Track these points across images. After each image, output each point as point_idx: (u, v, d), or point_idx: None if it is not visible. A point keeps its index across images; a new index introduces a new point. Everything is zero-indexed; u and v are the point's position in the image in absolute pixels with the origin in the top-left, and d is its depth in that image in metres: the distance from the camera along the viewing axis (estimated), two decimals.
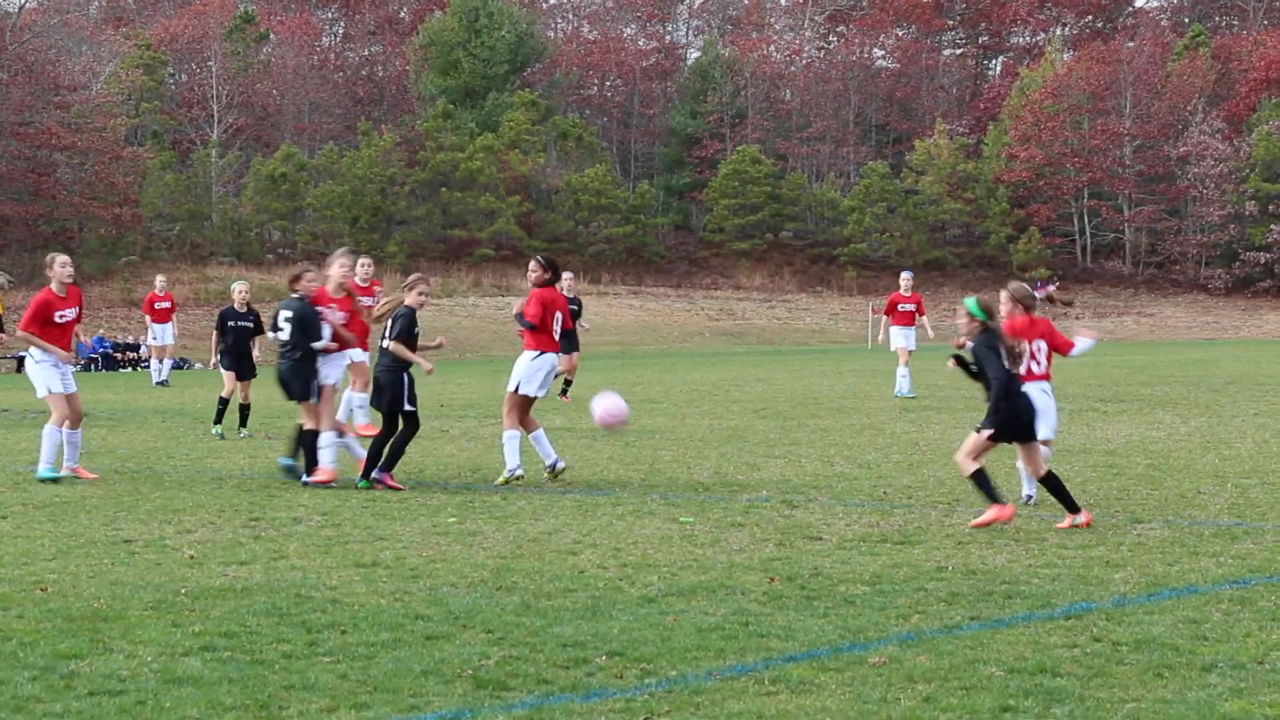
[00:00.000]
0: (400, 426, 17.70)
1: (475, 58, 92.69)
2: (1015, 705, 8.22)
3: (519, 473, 18.03)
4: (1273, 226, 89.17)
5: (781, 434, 24.57)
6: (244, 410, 25.35)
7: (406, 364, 17.57)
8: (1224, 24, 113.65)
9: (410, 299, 17.81)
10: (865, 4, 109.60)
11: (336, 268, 19.13)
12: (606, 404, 17.54)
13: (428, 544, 13.66)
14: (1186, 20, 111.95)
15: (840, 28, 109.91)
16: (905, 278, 34.06)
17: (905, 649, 9.49)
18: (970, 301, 14.54)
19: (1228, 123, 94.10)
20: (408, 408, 17.58)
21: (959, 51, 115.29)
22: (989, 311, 14.44)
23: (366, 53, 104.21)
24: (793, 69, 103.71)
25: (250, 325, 25.66)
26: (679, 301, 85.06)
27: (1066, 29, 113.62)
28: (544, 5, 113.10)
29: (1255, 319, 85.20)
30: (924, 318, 33.37)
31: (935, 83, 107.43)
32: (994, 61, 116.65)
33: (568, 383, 32.18)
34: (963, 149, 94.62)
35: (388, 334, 17.59)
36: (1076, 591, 11.27)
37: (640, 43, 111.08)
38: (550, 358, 18.21)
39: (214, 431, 24.90)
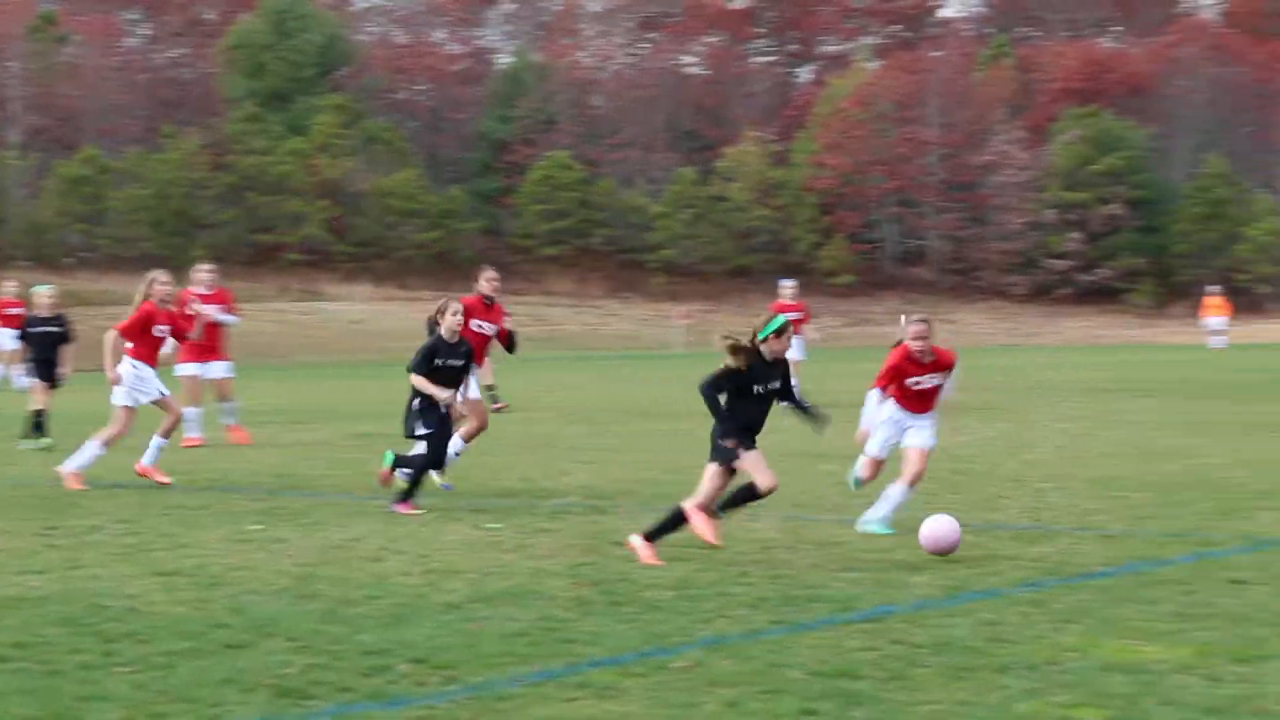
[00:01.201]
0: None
1: (283, 60, 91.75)
2: (816, 708, 8.29)
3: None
4: (1071, 235, 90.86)
5: (590, 440, 24.61)
6: (40, 415, 24.10)
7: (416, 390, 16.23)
8: (1026, 35, 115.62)
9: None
10: (676, 11, 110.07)
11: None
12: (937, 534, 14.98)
13: (230, 551, 13.49)
14: (990, 31, 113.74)
15: (651, 34, 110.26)
16: (787, 286, 33.08)
17: (709, 653, 9.54)
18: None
19: (1029, 132, 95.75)
20: (420, 433, 16.24)
21: (768, 59, 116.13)
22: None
23: (172, 55, 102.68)
24: (603, 75, 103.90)
25: (59, 331, 24.33)
26: None
27: (874, 38, 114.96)
28: (353, 8, 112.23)
29: (1054, 325, 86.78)
30: (807, 326, 32.50)
31: (745, 90, 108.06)
32: (803, 70, 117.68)
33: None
34: (771, 156, 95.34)
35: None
36: (877, 595, 11.40)
37: (451, 47, 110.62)
38: None
39: (32, 445, 23.39)
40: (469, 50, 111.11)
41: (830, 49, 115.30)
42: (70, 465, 18.44)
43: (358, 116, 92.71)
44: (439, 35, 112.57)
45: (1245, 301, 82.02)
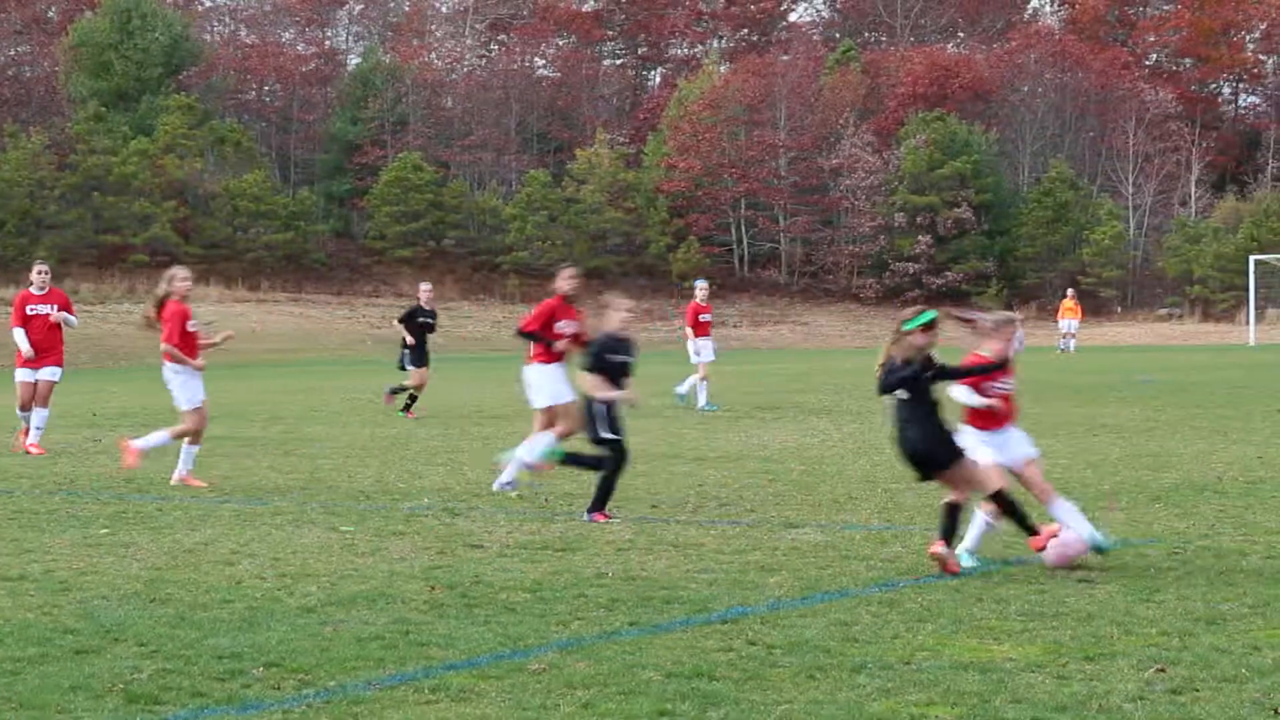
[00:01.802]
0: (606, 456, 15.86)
1: (128, 60, 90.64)
2: (672, 709, 8.31)
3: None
4: (920, 238, 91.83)
5: (443, 442, 24.52)
6: None
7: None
8: (873, 40, 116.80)
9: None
10: (526, 13, 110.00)
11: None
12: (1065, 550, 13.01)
13: (78, 556, 13.30)
14: (838, 35, 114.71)
15: (501, 36, 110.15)
16: (701, 287, 32.83)
17: (565, 655, 9.53)
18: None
19: (877, 136, 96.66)
20: (605, 435, 15.71)
21: (619, 62, 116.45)
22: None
23: (13, 52, 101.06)
24: (454, 77, 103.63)
25: None
26: (340, 309, 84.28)
27: (723, 41, 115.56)
28: (199, 8, 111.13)
29: None
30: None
31: (596, 92, 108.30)
32: (653, 72, 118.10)
33: (413, 397, 30.46)
34: (623, 158, 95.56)
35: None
36: (733, 596, 11.44)
37: (299, 48, 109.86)
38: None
39: None
40: (318, 51, 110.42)
41: (680, 52, 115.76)
42: (140, 442, 18.87)
43: (205, 117, 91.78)
44: (287, 36, 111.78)
45: (1090, 304, 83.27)
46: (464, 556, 13.24)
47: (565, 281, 18.37)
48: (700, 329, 31.84)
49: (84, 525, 15.20)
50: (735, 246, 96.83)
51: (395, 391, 30.92)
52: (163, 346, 18.82)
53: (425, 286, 31.81)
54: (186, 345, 18.84)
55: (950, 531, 12.29)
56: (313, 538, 14.37)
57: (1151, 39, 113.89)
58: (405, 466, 20.72)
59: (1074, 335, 66.29)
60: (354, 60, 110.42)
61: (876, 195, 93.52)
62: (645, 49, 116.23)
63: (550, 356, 17.98)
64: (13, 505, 16.82)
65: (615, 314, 16.11)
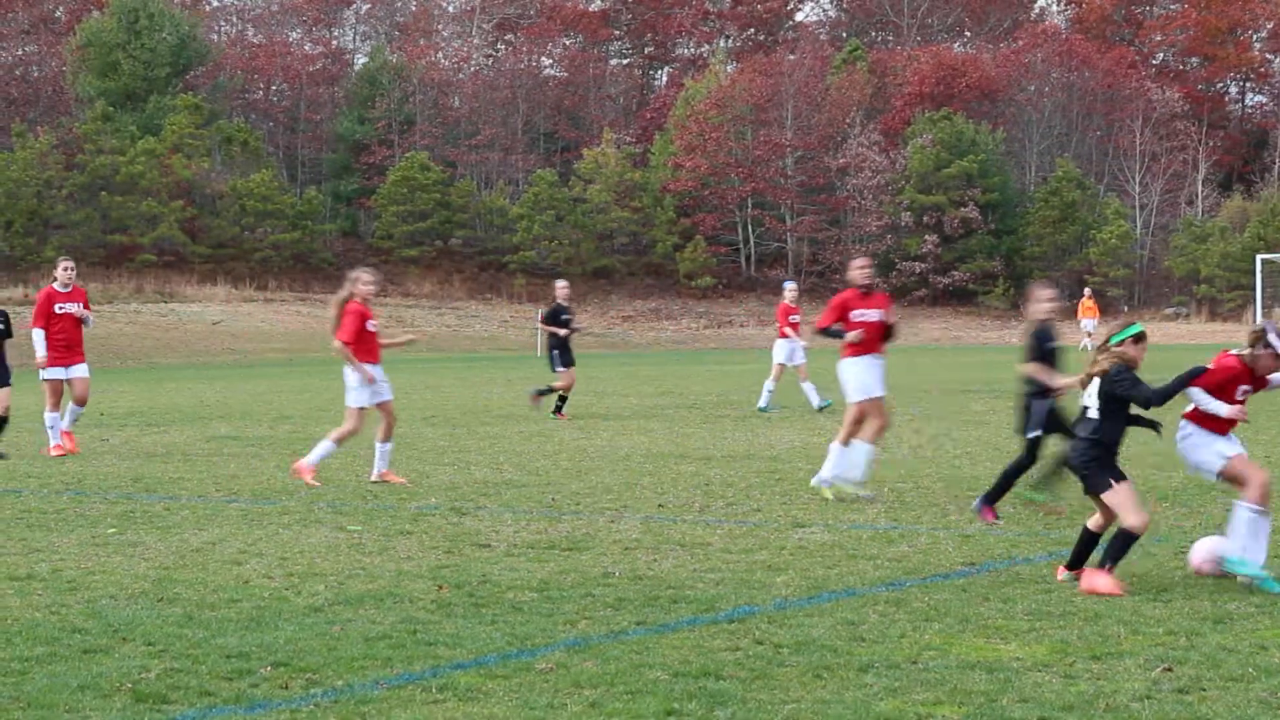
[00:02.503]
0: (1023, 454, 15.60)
1: (135, 59, 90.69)
2: (679, 709, 8.32)
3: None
4: (927, 237, 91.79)
5: (450, 441, 24.53)
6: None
7: (1042, 387, 15.40)
8: (880, 39, 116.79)
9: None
10: (532, 13, 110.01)
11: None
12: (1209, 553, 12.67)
13: (86, 555, 13.32)
14: (844, 35, 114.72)
15: (508, 36, 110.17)
16: (790, 288, 32.29)
17: (572, 655, 9.54)
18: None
19: (884, 135, 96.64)
20: (1030, 434, 15.53)
21: (626, 61, 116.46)
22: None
23: (20, 52, 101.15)
24: (461, 76, 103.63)
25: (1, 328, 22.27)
26: None
27: (730, 41, 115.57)
28: (207, 8, 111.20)
29: (912, 327, 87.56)
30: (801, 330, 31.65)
31: (602, 92, 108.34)
32: (660, 72, 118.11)
33: (563, 399, 29.78)
34: (630, 158, 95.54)
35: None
36: (740, 595, 11.45)
37: (306, 47, 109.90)
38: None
39: None
40: (325, 50, 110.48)
41: (686, 52, 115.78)
42: (309, 459, 18.65)
43: (213, 116, 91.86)
44: (294, 35, 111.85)
45: (1097, 304, 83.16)
46: (471, 556, 13.26)
47: (857, 271, 17.67)
48: (790, 330, 31.28)
49: (92, 525, 15.22)
50: (742, 246, 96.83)
51: (542, 393, 30.19)
52: (334, 344, 18.76)
53: (562, 284, 31.06)
54: (365, 345, 18.76)
55: (1080, 559, 11.90)
56: (320, 537, 14.38)
57: (1158, 38, 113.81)
58: (412, 466, 20.73)
59: (1092, 335, 66.50)
60: (361, 60, 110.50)
61: (883, 195, 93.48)
62: (652, 48, 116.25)
63: (857, 349, 17.31)
64: (20, 505, 16.84)
65: (1041, 304, 15.84)
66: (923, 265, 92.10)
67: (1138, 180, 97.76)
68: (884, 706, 8.35)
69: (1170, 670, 9.04)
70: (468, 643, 9.88)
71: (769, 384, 31.12)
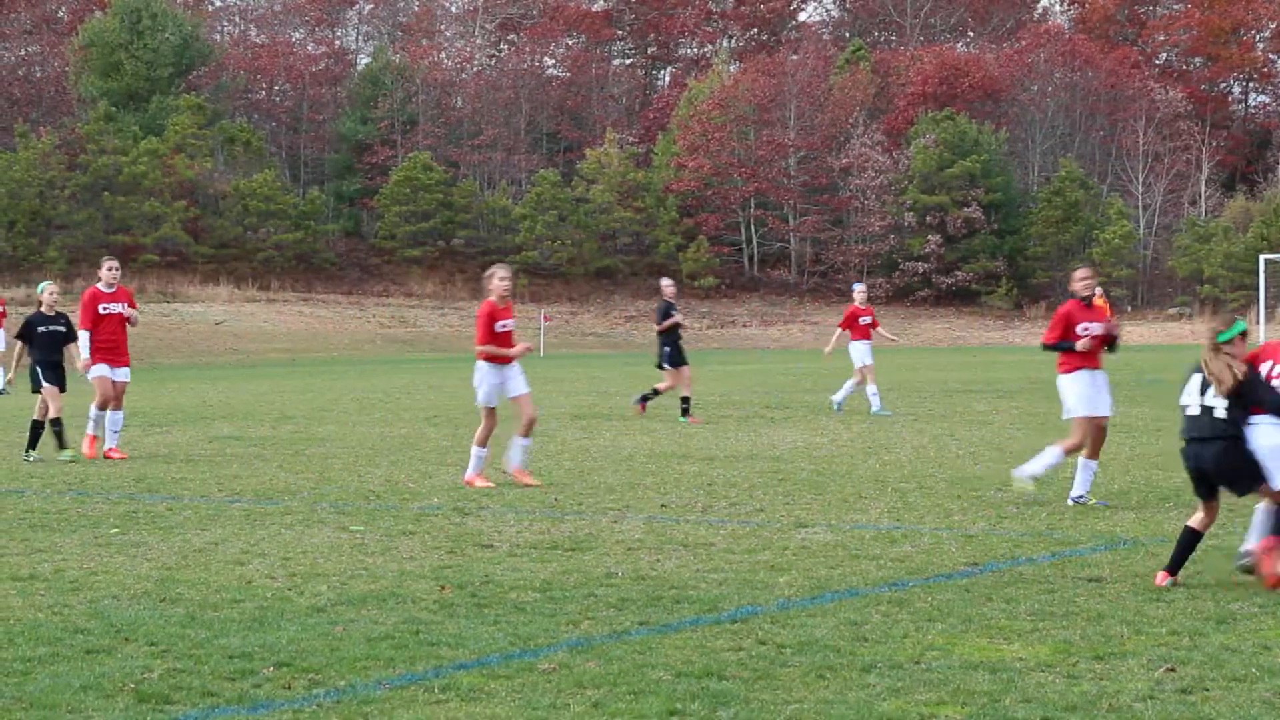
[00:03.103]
0: None
1: (138, 60, 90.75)
2: (682, 709, 8.31)
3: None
4: (930, 237, 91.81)
5: (453, 442, 24.52)
6: (58, 425, 21.99)
7: None
8: (883, 39, 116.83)
9: None
10: (535, 13, 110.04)
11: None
12: None
13: (88, 556, 13.32)
14: (847, 35, 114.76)
15: (511, 36, 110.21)
16: (859, 290, 32.07)
17: (575, 655, 9.53)
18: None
19: (887, 135, 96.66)
20: None
21: (628, 61, 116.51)
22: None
23: (23, 52, 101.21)
24: (463, 76, 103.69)
25: (64, 330, 22.41)
26: (350, 309, 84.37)
27: (733, 41, 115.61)
28: (209, 8, 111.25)
29: (914, 327, 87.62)
30: (880, 329, 31.71)
31: (605, 92, 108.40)
32: (663, 72, 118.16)
33: (686, 399, 29.11)
34: (632, 158, 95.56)
35: None
36: (743, 595, 11.43)
37: (309, 47, 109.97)
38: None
39: (66, 457, 21.72)
40: (328, 50, 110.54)
41: (689, 52, 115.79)
42: (513, 461, 18.58)
43: (215, 116, 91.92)
44: (297, 35, 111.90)
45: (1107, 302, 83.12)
46: (474, 556, 13.25)
47: (1080, 284, 17.22)
48: (859, 332, 30.79)
49: (94, 525, 15.21)
50: (745, 246, 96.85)
51: (646, 399, 29.70)
52: (476, 349, 18.75)
53: (667, 282, 30.62)
54: (499, 345, 18.67)
55: (1180, 563, 11.75)
56: (323, 537, 14.38)
57: (1161, 38, 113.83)
58: (415, 466, 20.73)
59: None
60: (364, 60, 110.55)
61: (886, 195, 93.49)
62: (655, 49, 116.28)
63: (1078, 363, 16.81)
64: (23, 505, 16.84)
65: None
66: (925, 265, 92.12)
67: (1141, 180, 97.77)
68: (887, 707, 8.34)
69: (1173, 670, 9.03)
70: (470, 643, 9.88)
71: (852, 384, 30.64)
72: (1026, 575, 12.17)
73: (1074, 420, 16.76)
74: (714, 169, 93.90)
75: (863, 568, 12.57)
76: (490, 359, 18.62)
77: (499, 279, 18.78)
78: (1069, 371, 16.87)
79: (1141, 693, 8.56)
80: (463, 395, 36.82)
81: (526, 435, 18.74)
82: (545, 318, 76.14)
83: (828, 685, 8.80)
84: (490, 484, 18.25)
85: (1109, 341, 17.00)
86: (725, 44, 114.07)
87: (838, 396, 30.78)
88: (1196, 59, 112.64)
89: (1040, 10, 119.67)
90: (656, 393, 29.70)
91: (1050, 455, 16.75)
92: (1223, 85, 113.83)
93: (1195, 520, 11.92)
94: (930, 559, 12.97)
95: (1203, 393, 11.75)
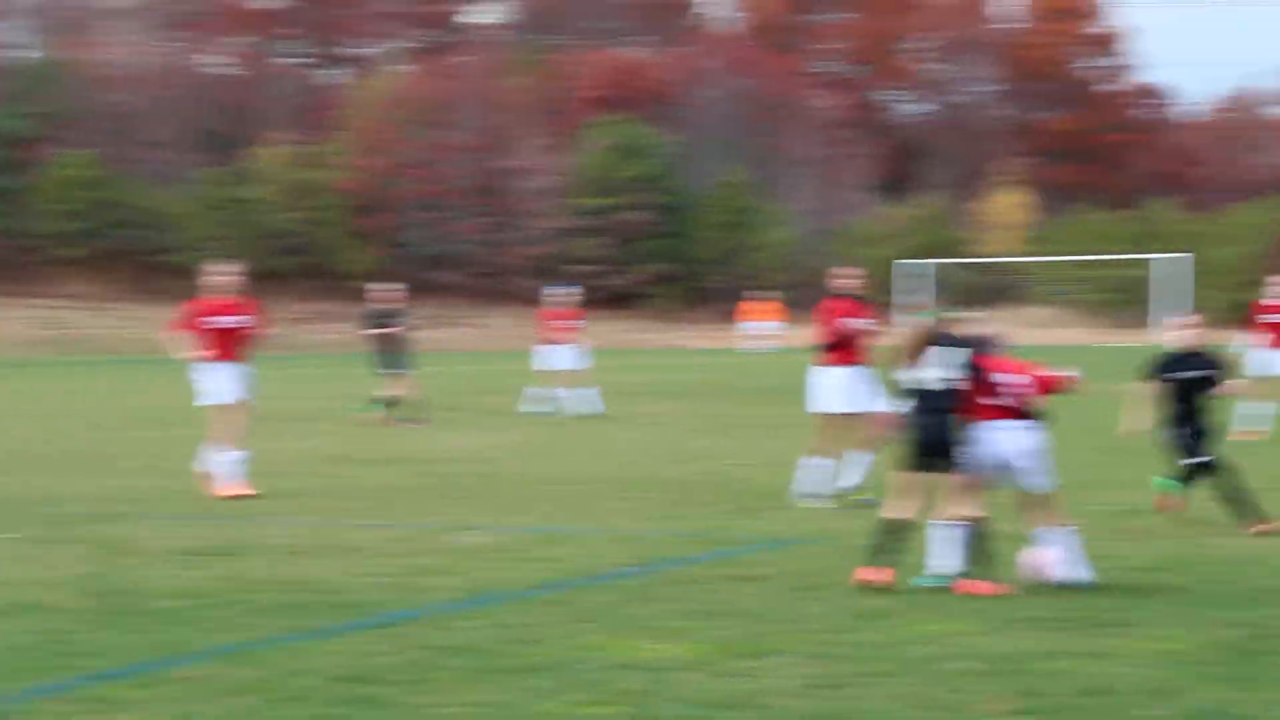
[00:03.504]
0: None
1: None
2: (335, 714, 8.20)
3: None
4: (600, 240, 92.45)
5: (104, 446, 23.94)
6: None
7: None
8: (554, 43, 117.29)
9: None
10: (202, 10, 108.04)
11: None
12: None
13: None
14: (519, 38, 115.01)
15: (177, 33, 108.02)
16: (559, 293, 31.80)
17: (227, 662, 9.33)
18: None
19: (558, 138, 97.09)
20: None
21: (299, 60, 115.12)
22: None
23: None
24: (126, 72, 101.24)
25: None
26: (3, 309, 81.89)
27: (404, 42, 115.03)
28: None
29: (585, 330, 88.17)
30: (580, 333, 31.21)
31: (275, 91, 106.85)
32: (334, 72, 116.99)
33: (390, 401, 28.69)
34: (301, 158, 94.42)
35: None
36: (401, 599, 11.34)
37: None
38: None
39: None
40: None
41: (360, 52, 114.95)
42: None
43: None
44: None
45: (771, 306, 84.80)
46: (121, 563, 12.90)
47: (841, 280, 17.09)
48: (561, 336, 30.78)
49: None
50: (415, 247, 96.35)
51: (389, 409, 28.77)
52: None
53: (377, 287, 30.14)
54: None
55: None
56: None
57: (823, 46, 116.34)
58: (63, 472, 20.16)
59: (776, 337, 69.13)
60: (20, 53, 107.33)
61: (556, 197, 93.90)
62: (324, 48, 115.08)
63: (835, 358, 16.78)
64: None
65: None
66: (595, 268, 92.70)
67: (802, 186, 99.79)
68: (542, 708, 8.33)
69: (823, 667, 9.18)
70: (116, 652, 9.61)
71: (562, 391, 30.29)
72: (685, 575, 12.28)
73: (817, 416, 16.90)
74: (385, 170, 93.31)
75: (523, 570, 12.56)
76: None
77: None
78: (828, 365, 16.87)
79: (791, 689, 8.68)
80: (117, 399, 35.96)
81: (235, 448, 17.76)
82: None
83: (485, 688, 8.76)
84: (246, 491, 17.44)
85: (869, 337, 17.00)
86: (396, 45, 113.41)
87: (573, 403, 30.35)
88: (856, 68, 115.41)
89: (709, 18, 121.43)
90: (387, 402, 28.86)
91: (808, 468, 16.69)
92: (881, 94, 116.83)
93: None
94: (590, 560, 13.02)
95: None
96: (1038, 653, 9.52)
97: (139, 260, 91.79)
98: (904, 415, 11.78)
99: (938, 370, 11.70)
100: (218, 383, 17.78)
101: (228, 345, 17.86)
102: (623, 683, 8.84)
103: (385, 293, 29.71)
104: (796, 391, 36.68)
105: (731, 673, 9.09)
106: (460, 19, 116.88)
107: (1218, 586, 11.61)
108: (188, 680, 8.89)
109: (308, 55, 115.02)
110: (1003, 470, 11.77)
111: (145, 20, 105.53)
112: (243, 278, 18.42)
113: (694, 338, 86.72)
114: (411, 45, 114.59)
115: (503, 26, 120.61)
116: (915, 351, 11.74)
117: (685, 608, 10.96)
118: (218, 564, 12.82)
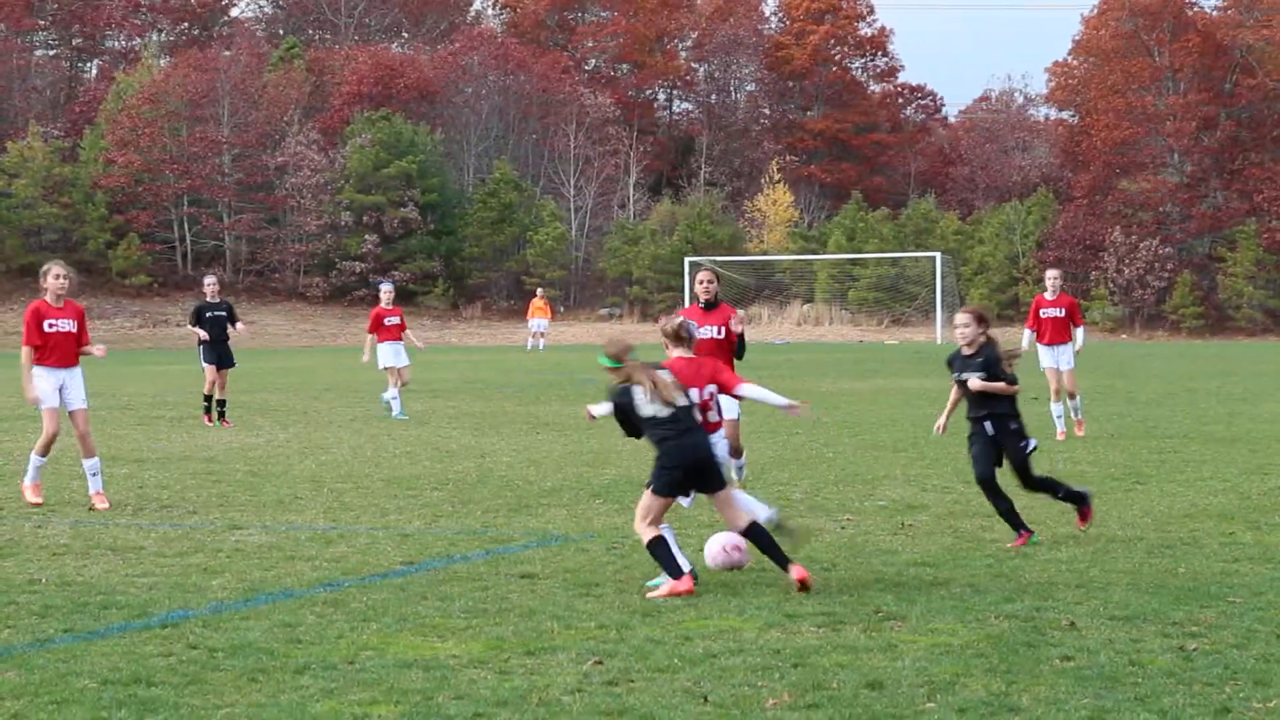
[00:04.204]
0: None
1: None
2: (108, 717, 8.10)
3: None
4: (367, 237, 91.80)
5: None
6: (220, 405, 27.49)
7: None
8: (317, 38, 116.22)
9: None
10: None
11: None
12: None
13: None
14: (281, 32, 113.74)
15: None
16: (387, 290, 30.88)
17: None
18: (601, 357, 12.13)
19: (323, 134, 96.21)
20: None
21: (53, 52, 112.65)
22: (618, 359, 11.95)
23: None
24: None
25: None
26: None
27: (163, 34, 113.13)
28: None
29: (352, 326, 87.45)
30: (409, 332, 30.36)
31: (28, 84, 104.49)
32: (90, 64, 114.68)
33: (217, 400, 27.81)
34: (58, 152, 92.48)
35: None
36: (174, 599, 11.22)
37: None
38: None
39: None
40: None
41: (118, 44, 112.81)
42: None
43: None
44: None
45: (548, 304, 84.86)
46: None
47: (699, 286, 16.59)
48: (387, 333, 29.86)
49: None
50: (179, 244, 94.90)
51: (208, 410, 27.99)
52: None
53: (209, 280, 29.59)
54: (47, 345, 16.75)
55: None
56: None
57: (590, 44, 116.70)
58: None
59: (545, 335, 68.74)
60: None
61: (323, 194, 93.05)
62: (80, 40, 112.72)
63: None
64: None
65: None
66: (363, 265, 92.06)
67: (573, 183, 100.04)
68: (320, 708, 8.30)
69: (601, 663, 9.25)
70: None
71: (394, 392, 29.48)
72: (461, 573, 12.30)
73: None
74: (145, 165, 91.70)
75: (297, 569, 12.49)
76: (40, 361, 16.63)
77: (54, 276, 17.15)
78: None
79: (570, 686, 8.74)
80: None
81: (91, 455, 16.83)
82: None
83: (260, 688, 8.71)
84: (40, 499, 16.73)
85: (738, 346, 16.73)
86: (155, 37, 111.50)
87: (389, 398, 29.61)
88: (624, 66, 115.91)
89: (473, 14, 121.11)
90: (208, 398, 28.28)
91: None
92: (649, 92, 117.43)
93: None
94: (366, 559, 12.98)
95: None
96: (818, 647, 9.68)
97: None
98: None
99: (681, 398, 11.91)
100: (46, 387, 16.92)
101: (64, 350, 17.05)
102: (403, 681, 8.84)
103: (213, 287, 29.26)
104: (563, 388, 36.82)
105: (511, 670, 9.13)
106: (221, 12, 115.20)
107: (991, 580, 11.89)
108: None
109: (62, 46, 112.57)
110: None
111: None
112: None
113: (462, 335, 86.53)
114: (171, 38, 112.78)
115: (264, 20, 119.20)
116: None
117: (462, 605, 10.98)
118: None
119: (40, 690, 8.61)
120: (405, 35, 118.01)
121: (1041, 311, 24.83)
